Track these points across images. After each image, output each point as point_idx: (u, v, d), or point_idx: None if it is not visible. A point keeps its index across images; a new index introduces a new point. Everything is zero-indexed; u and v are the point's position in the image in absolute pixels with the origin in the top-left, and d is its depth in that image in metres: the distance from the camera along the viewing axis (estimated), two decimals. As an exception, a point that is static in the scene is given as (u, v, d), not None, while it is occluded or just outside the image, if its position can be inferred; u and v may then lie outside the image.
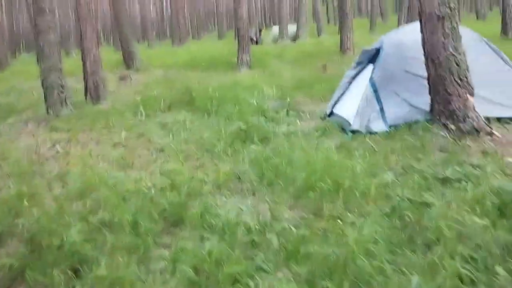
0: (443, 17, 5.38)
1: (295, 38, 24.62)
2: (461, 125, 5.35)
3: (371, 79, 6.10)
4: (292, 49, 15.85)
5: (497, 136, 5.29)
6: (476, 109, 5.43)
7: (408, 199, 3.77)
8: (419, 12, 5.66)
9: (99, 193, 4.48)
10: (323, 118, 7.20)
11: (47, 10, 8.05)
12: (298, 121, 7.11)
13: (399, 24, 21.47)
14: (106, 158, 5.84)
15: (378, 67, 6.15)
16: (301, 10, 25.56)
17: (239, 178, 4.80)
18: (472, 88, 5.42)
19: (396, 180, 4.24)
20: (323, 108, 7.92)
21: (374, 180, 4.15)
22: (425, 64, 5.68)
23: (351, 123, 6.04)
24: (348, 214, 3.68)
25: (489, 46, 6.23)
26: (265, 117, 7.36)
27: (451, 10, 5.40)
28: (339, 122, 6.46)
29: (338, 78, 10.07)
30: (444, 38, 5.40)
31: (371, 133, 5.87)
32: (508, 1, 15.74)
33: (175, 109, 8.41)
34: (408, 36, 6.27)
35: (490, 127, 5.37)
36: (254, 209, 3.96)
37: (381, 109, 5.99)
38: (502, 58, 6.16)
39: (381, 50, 6.35)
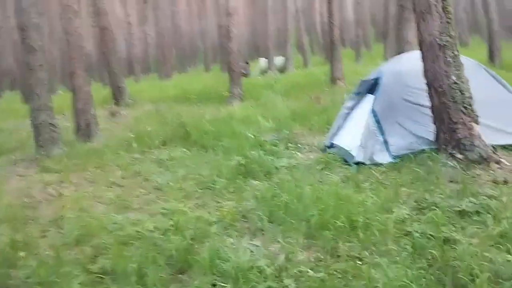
0: (444, 46, 5.34)
1: (282, 70, 24.74)
2: (468, 154, 5.24)
3: (372, 110, 5.99)
4: (283, 81, 15.82)
5: (506, 164, 5.19)
6: (482, 138, 5.33)
7: (429, 235, 3.59)
8: (419, 41, 5.62)
9: (98, 239, 4.23)
10: (323, 150, 7.06)
11: (37, 48, 7.88)
12: (298, 154, 6.95)
13: (385, 53, 21.69)
14: (102, 199, 5.60)
15: (379, 98, 6.06)
16: (287, 42, 25.80)
17: (245, 216, 4.60)
18: (477, 116, 5.34)
19: (412, 215, 4.07)
20: (322, 140, 7.78)
21: (389, 216, 3.98)
22: (428, 93, 5.60)
23: (355, 155, 5.89)
24: (367, 253, 3.49)
25: (489, 72, 6.20)
26: (264, 150, 7.17)
27: (451, 38, 5.36)
28: (341, 154, 6.31)
29: (334, 109, 10.06)
30: (446, 66, 5.34)
31: (375, 164, 5.73)
32: (493, 29, 16.03)
33: (170, 144, 8.20)
34: (407, 65, 6.22)
35: (497, 155, 5.26)
36: (266, 250, 3.74)
37: (385, 141, 5.87)
38: (502, 85, 6.12)
39: (380, 80, 6.27)
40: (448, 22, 5.37)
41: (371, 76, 6.67)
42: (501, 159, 5.22)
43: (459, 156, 5.25)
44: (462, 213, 3.95)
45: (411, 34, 11.24)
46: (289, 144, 7.57)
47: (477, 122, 5.33)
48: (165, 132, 8.88)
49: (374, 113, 5.97)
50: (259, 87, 14.93)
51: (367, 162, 5.78)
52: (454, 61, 5.34)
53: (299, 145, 7.57)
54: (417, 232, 3.66)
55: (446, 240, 3.52)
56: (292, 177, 5.49)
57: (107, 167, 7.07)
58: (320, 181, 5.37)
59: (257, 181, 5.75)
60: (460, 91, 5.31)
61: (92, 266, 3.74)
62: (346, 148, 6.24)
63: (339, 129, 6.94)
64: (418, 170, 5.20)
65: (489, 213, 3.83)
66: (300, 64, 28.02)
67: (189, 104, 12.82)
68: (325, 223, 3.81)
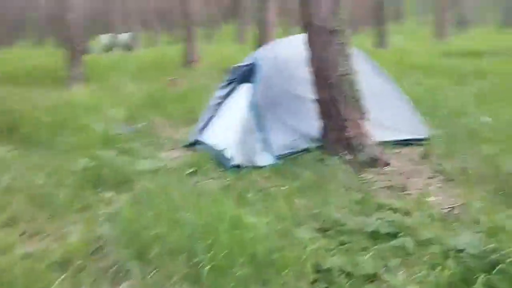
0: (335, 31, 4.67)
1: (128, 48, 22.86)
2: (358, 154, 4.69)
3: (251, 102, 5.12)
4: (131, 60, 14.25)
5: (395, 165, 4.75)
6: (372, 137, 4.83)
7: (348, 273, 2.83)
8: (304, 24, 4.87)
9: None
10: (188, 147, 6.03)
11: None
12: (160, 153, 5.80)
13: (238, 34, 21.26)
14: None
15: (258, 88, 5.21)
16: (134, 17, 23.87)
17: (102, 250, 3.39)
18: (366, 112, 4.81)
19: (318, 239, 3.30)
20: (186, 133, 6.75)
21: (294, 246, 3.14)
22: (314, 85, 4.92)
23: (232, 156, 4.98)
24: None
25: (370, 63, 5.76)
26: (118, 148, 5.88)
27: (342, 23, 4.71)
28: (213, 153, 5.35)
29: (194, 94, 9.07)
30: (336, 55, 4.69)
31: (256, 167, 4.90)
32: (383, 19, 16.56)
33: (-11, 140, 6.39)
34: (288, 51, 5.48)
35: (386, 155, 4.81)
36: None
37: (266, 139, 5.05)
38: (384, 77, 5.73)
39: (257, 68, 5.42)
40: (338, 3, 4.70)
41: (245, 62, 5.79)
42: (390, 160, 4.78)
43: (349, 157, 4.68)
44: (375, 236, 3.29)
45: (271, 14, 10.71)
46: (148, 140, 6.38)
47: (366, 119, 4.80)
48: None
49: (253, 106, 5.11)
50: (104, 67, 13.22)
51: (246, 165, 4.91)
52: (344, 49, 4.71)
53: (160, 140, 6.41)
54: (330, 268, 2.88)
55: (368, 277, 2.82)
56: (159, 188, 4.37)
57: None
58: (196, 192, 4.35)
59: (112, 193, 4.52)
60: (350, 83, 4.72)
61: None
62: (219, 147, 5.30)
63: (208, 123, 5.96)
64: (308, 174, 4.48)
65: (408, 235, 3.22)
66: (148, 42, 26.30)
67: (16, 87, 10.61)
68: (221, 269, 2.80)
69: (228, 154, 5.11)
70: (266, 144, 5.03)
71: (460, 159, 4.94)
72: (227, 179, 4.71)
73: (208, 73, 11.97)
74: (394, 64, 10.78)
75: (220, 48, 17.68)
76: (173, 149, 6.10)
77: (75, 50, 11.03)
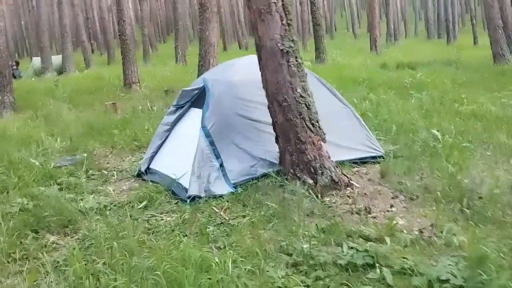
0: (287, 52, 4.51)
1: (61, 70, 21.80)
2: (319, 178, 4.54)
3: (204, 128, 4.85)
4: (66, 84, 13.49)
5: (356, 186, 4.64)
6: (331, 158, 4.70)
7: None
8: (257, 46, 4.69)
9: None
10: (136, 177, 5.66)
11: None
12: (107, 186, 5.38)
13: (177, 54, 20.88)
14: None
15: (209, 113, 4.95)
16: (66, 39, 22.86)
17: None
18: (324, 133, 4.68)
19: (294, 275, 3.07)
20: (132, 162, 6.36)
21: (268, 286, 2.89)
22: (269, 108, 4.74)
23: (187, 186, 4.68)
24: None
25: (320, 81, 5.66)
26: (58, 184, 5.41)
27: (293, 43, 4.57)
28: (165, 183, 5.02)
29: (136, 120, 8.65)
30: (290, 77, 4.53)
31: (213, 197, 4.62)
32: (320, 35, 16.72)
33: None
34: (239, 73, 5.26)
35: (347, 177, 4.69)
36: None
37: (222, 166, 4.80)
38: (334, 95, 5.64)
39: (207, 91, 5.17)
40: (289, 24, 4.56)
41: (194, 85, 5.53)
42: (351, 181, 4.66)
43: (310, 181, 4.51)
44: (351, 268, 3.11)
45: (213, 35, 10.52)
46: (91, 172, 5.93)
47: (324, 140, 4.67)
48: None
49: (206, 132, 4.84)
50: (37, 93, 12.42)
51: (203, 195, 4.63)
52: (299, 71, 4.56)
53: (104, 171, 5.97)
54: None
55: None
56: (108, 229, 3.99)
57: None
58: (151, 231, 4.02)
59: (55, 237, 4.09)
60: (307, 105, 4.57)
61: None
62: (172, 176, 4.98)
63: (157, 151, 5.62)
64: (269, 202, 4.26)
65: (382, 265, 3.07)
66: (81, 64, 25.28)
67: None
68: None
69: (182, 184, 4.81)
70: (222, 172, 4.78)
71: (419, 177, 4.92)
72: (184, 212, 4.40)
73: (149, 96, 11.55)
74: (336, 80, 10.87)
75: (159, 69, 17.23)
76: (120, 180, 5.69)
77: (3, 76, 10.25)
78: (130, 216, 4.37)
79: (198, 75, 10.72)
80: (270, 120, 4.88)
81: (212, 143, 4.80)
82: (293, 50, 4.54)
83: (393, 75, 12.27)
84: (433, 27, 35.82)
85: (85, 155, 6.31)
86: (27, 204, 4.73)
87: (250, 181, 4.84)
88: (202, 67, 10.60)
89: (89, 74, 16.86)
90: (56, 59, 23.29)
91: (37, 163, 6.00)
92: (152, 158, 5.64)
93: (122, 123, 8.37)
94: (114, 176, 5.80)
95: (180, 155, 5.20)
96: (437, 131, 6.19)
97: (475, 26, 26.12)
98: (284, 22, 4.52)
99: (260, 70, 4.71)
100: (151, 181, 5.29)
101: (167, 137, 5.62)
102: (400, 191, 4.55)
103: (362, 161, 5.45)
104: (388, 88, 10.18)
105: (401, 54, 20.39)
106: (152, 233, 4.01)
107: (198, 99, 5.40)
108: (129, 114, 9.41)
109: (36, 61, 23.32)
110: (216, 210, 4.33)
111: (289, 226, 3.85)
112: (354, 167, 5.26)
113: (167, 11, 53.55)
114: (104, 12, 34.27)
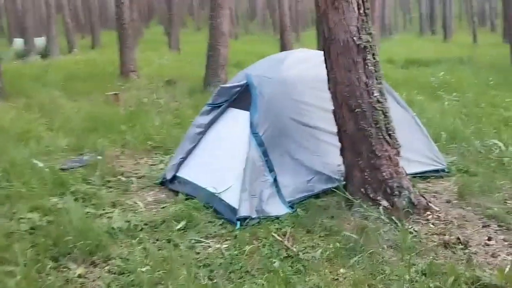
0: (364, 48, 3.75)
1: (44, 54, 20.57)
2: (396, 200, 3.81)
3: (255, 135, 4.06)
4: (56, 69, 12.45)
5: (436, 210, 3.94)
6: (408, 176, 3.98)
7: None
8: (324, 39, 3.91)
9: None
10: (160, 186, 4.86)
11: None
12: (130, 197, 4.56)
13: (170, 41, 19.84)
14: None
15: (260, 116, 4.16)
16: (50, 20, 21.60)
17: None
18: (399, 146, 3.95)
19: None
20: (150, 166, 5.54)
21: None
22: (335, 114, 3.98)
23: (232, 204, 3.91)
24: None
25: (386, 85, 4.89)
26: (72, 193, 4.56)
27: (371, 38, 3.81)
28: (201, 197, 4.22)
29: (143, 114, 7.79)
30: (367, 77, 3.77)
31: (267, 218, 3.86)
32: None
33: None
34: (293, 70, 4.47)
35: (425, 198, 3.98)
36: None
37: (275, 180, 4.03)
38: (393, 96, 4.89)
39: (252, 90, 4.38)
40: (366, 14, 3.80)
41: (235, 81, 4.71)
42: (429, 203, 3.95)
43: (385, 203, 3.78)
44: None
45: (225, 22, 9.67)
46: (107, 177, 5.09)
47: (399, 154, 3.94)
48: None
49: (258, 140, 4.05)
50: (25, 79, 11.35)
51: (255, 215, 3.85)
52: (376, 70, 3.81)
53: (121, 177, 5.15)
54: None
55: None
56: (148, 258, 3.20)
57: None
58: (201, 262, 3.26)
59: (82, 267, 3.29)
60: (384, 112, 3.83)
61: None
62: (211, 190, 4.19)
63: (187, 157, 4.81)
64: (343, 230, 3.52)
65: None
66: (65, 47, 23.95)
67: None
68: None
69: (225, 200, 4.03)
70: (277, 188, 4.01)
71: (501, 198, 4.25)
72: (235, 237, 3.63)
73: (151, 86, 10.64)
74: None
75: (151, 56, 16.19)
76: (142, 189, 4.87)
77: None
78: (170, 241, 3.60)
79: (207, 66, 9.89)
80: (330, 127, 4.13)
81: (265, 153, 4.02)
82: (370, 46, 3.78)
83: (410, 73, 11.61)
84: (425, 23, 35.41)
85: (100, 157, 5.43)
86: (40, 221, 3.90)
87: (306, 199, 4.10)
88: (212, 57, 9.74)
89: (79, 59, 15.73)
90: (40, 41, 22.04)
91: (40, 164, 5.12)
92: (180, 164, 4.83)
93: (128, 118, 7.50)
94: (133, 183, 4.97)
95: (218, 164, 4.40)
96: (497, 141, 5.53)
97: (475, 24, 25.69)
98: (361, 11, 3.76)
99: (327, 68, 3.94)
100: (180, 193, 4.49)
101: (199, 140, 4.81)
102: (489, 217, 3.86)
103: (422, 176, 4.76)
104: (410, 88, 9.48)
105: (403, 50, 19.79)
106: (204, 267, 3.24)
107: (239, 98, 4.61)
108: (133, 106, 8.52)
109: (18, 42, 22.01)
110: (277, 237, 3.57)
111: (374, 264, 3.12)
112: (420, 182, 4.56)
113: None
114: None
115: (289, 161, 4.15)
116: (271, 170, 4.03)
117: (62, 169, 5.30)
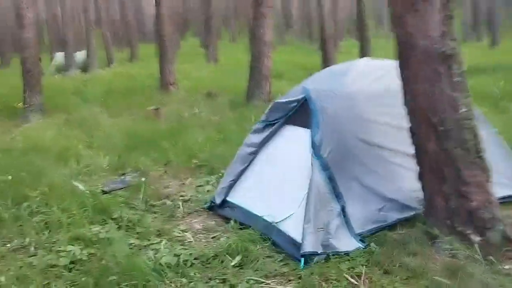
0: (449, 56, 3.22)
1: (84, 68, 20.69)
2: (488, 233, 3.23)
3: (319, 157, 3.56)
4: (96, 84, 12.33)
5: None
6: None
7: None
8: (400, 46, 3.40)
9: None
10: (208, 210, 4.42)
11: None
12: (177, 224, 4.13)
13: (208, 53, 19.62)
14: None
15: (323, 136, 3.66)
16: (90, 34, 21.77)
17: None
18: (490, 170, 3.38)
19: None
20: (196, 188, 5.10)
21: None
22: (412, 132, 3.45)
23: (292, 235, 3.42)
24: None
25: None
26: (114, 220, 4.17)
27: (457, 46, 3.27)
28: (256, 226, 3.75)
29: (185, 129, 7.41)
30: (452, 90, 3.23)
31: (336, 254, 3.34)
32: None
33: None
34: (357, 84, 3.96)
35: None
36: None
37: (343, 209, 3.51)
38: (481, 117, 4.30)
39: (311, 105, 3.88)
40: (451, 17, 3.27)
41: (292, 95, 4.22)
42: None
43: (477, 238, 3.21)
44: None
45: (269, 32, 9.24)
46: (151, 201, 4.69)
47: (490, 180, 3.37)
48: None
49: (322, 163, 3.55)
50: (65, 93, 11.23)
51: (320, 250, 3.35)
52: (463, 83, 3.27)
53: (166, 200, 4.74)
54: None
55: None
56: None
57: None
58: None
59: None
60: (472, 131, 3.27)
61: None
62: (267, 219, 3.72)
63: (237, 179, 4.36)
64: (432, 272, 2.98)
65: None
66: (104, 61, 24.12)
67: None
68: None
69: (284, 231, 3.54)
70: (345, 219, 3.49)
71: None
72: (300, 278, 3.13)
73: (191, 99, 10.30)
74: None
75: (189, 69, 15.91)
76: (189, 214, 4.44)
77: (32, 74, 9.03)
78: (225, 281, 3.14)
79: (250, 77, 9.46)
80: (404, 148, 3.60)
81: (331, 179, 3.51)
82: (455, 54, 3.24)
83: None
84: (467, 28, 34.07)
85: (144, 179, 5.04)
86: (80, 254, 3.51)
87: (378, 231, 3.56)
88: (255, 68, 9.31)
89: (118, 73, 15.64)
90: (80, 55, 22.22)
91: (81, 187, 4.77)
92: (230, 187, 4.38)
93: (170, 133, 7.12)
94: (179, 207, 4.55)
95: (274, 188, 3.92)
96: None
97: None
98: (446, 15, 3.22)
99: (402, 79, 3.42)
100: (232, 220, 4.03)
101: (251, 161, 4.35)
102: None
103: (503, 201, 4.13)
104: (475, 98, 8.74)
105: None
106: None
107: (296, 114, 4.12)
108: (174, 121, 8.17)
109: (59, 56, 22.23)
110: (351, 279, 3.05)
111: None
112: (504, 208, 3.95)
113: (185, 6, 52.22)
114: (125, 6, 33.15)
115: (358, 187, 3.63)
116: (339, 198, 3.51)
117: (104, 192, 4.94)
